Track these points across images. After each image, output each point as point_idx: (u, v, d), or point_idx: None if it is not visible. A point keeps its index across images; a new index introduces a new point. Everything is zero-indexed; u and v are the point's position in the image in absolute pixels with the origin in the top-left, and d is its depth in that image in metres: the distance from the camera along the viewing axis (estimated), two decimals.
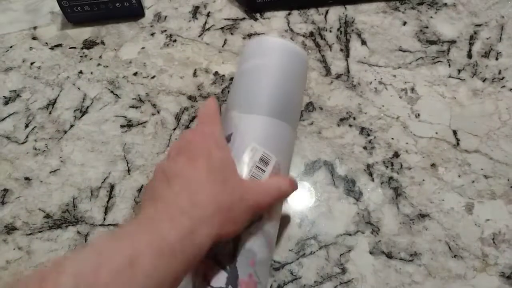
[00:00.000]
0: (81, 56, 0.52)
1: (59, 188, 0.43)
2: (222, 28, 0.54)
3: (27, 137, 0.47)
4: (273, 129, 0.36)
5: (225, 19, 0.54)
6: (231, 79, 0.49)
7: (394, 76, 0.48)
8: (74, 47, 0.53)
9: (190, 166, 0.29)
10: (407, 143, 0.44)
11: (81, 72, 0.51)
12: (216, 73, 0.50)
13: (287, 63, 0.39)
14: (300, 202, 0.41)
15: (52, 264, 0.22)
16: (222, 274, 0.30)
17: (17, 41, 0.54)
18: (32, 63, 0.52)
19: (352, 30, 0.52)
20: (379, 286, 0.37)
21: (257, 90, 0.38)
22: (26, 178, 0.44)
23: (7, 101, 0.49)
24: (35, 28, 0.55)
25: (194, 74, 0.50)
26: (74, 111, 0.48)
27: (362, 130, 0.45)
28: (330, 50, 0.51)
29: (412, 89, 0.47)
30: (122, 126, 0.47)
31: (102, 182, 0.43)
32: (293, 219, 0.40)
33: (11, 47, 0.54)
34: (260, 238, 0.32)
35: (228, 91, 0.46)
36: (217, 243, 0.29)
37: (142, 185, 0.43)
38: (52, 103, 0.49)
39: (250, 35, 0.53)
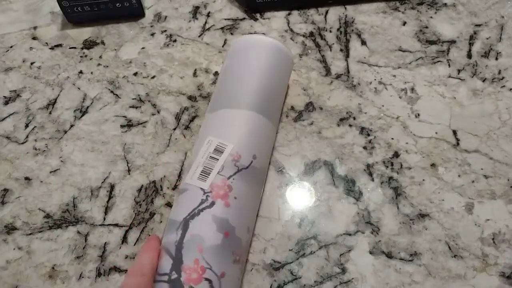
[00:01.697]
0: (81, 56, 0.52)
1: (59, 188, 0.43)
2: (222, 28, 0.54)
3: (27, 137, 0.47)
4: (232, 118, 0.37)
5: (225, 19, 0.54)
6: None
7: (394, 76, 0.48)
8: (74, 47, 0.53)
9: None
10: (407, 143, 0.44)
11: (81, 72, 0.51)
12: (216, 73, 0.50)
13: (252, 56, 0.40)
14: (300, 202, 0.41)
15: None
16: (168, 261, 0.31)
17: (17, 41, 0.54)
18: (32, 63, 0.52)
19: (352, 30, 0.52)
20: (379, 286, 0.37)
21: (220, 88, 0.40)
22: (26, 178, 0.44)
23: (7, 101, 0.49)
24: (35, 28, 0.55)
25: (194, 74, 0.50)
26: (74, 111, 0.48)
27: (362, 130, 0.45)
28: (330, 50, 0.51)
29: (412, 89, 0.47)
30: (122, 126, 0.47)
31: (102, 182, 0.43)
32: (293, 219, 0.40)
33: (11, 47, 0.54)
34: (210, 225, 0.32)
35: None
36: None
37: (142, 185, 0.43)
38: (52, 103, 0.49)
39: None
